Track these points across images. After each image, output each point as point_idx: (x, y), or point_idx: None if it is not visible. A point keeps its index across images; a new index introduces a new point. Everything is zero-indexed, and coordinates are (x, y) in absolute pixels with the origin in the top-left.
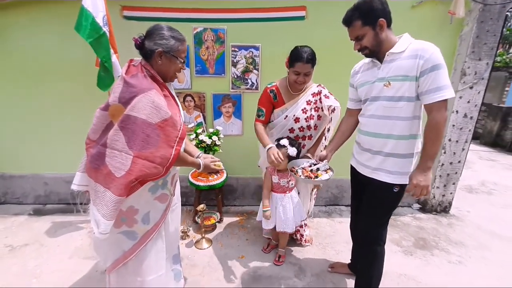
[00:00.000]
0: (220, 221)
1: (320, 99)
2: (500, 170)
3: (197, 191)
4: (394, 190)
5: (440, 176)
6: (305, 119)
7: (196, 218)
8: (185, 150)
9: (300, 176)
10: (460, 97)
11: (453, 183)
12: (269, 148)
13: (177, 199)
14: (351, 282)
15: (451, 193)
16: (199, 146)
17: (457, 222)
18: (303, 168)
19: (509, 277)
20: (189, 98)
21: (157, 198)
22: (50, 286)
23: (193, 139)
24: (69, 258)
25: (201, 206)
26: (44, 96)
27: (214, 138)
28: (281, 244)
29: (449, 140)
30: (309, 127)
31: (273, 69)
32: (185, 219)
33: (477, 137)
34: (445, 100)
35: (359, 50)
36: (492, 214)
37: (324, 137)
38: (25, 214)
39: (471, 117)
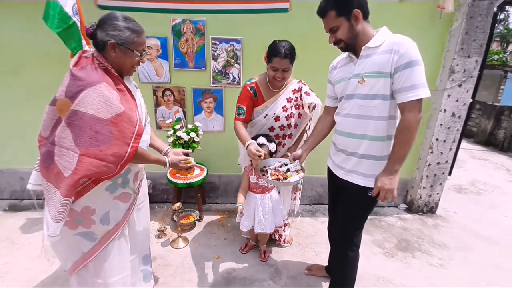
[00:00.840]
0: (200, 219)
1: (300, 96)
2: (491, 169)
3: (175, 188)
4: (369, 193)
5: (427, 176)
6: (286, 117)
7: (174, 216)
8: (151, 145)
9: (268, 177)
10: (449, 96)
11: (440, 184)
12: (248, 144)
13: (143, 197)
14: (327, 286)
15: (437, 194)
16: (177, 143)
17: (443, 223)
18: (274, 169)
19: (487, 279)
20: (168, 92)
21: (118, 197)
22: (15, 285)
23: (170, 135)
24: (38, 256)
25: (177, 205)
26: (19, 87)
27: (192, 134)
28: (262, 241)
29: (437, 139)
30: (289, 125)
31: (256, 63)
32: (163, 217)
33: (471, 136)
34: (420, 100)
35: (334, 43)
36: (479, 215)
37: (305, 135)
38: (0, 210)
39: (459, 116)
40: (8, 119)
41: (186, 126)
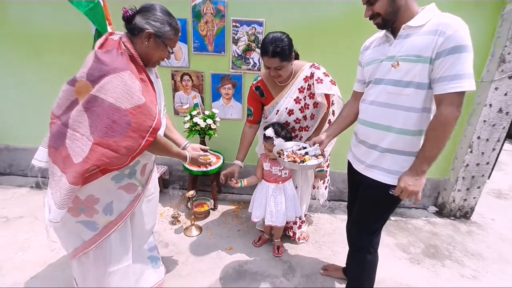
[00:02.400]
0: (214, 208)
1: (313, 83)
2: None
3: (191, 176)
4: (390, 192)
5: (463, 178)
6: (300, 109)
7: (188, 204)
8: (169, 138)
9: (284, 159)
10: (496, 88)
11: (478, 187)
12: (234, 163)
13: (154, 188)
14: None
15: (474, 198)
16: (193, 129)
17: (478, 231)
18: (291, 152)
19: None
20: (186, 77)
21: (122, 187)
22: (34, 260)
23: (187, 121)
24: None
25: (191, 192)
26: (47, 67)
27: (209, 121)
28: (276, 235)
29: (478, 137)
30: (305, 117)
31: None
32: (178, 203)
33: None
34: (462, 93)
35: (370, 18)
36: None
37: (327, 122)
38: (27, 187)
39: (507, 113)
40: (34, 101)
41: (203, 113)
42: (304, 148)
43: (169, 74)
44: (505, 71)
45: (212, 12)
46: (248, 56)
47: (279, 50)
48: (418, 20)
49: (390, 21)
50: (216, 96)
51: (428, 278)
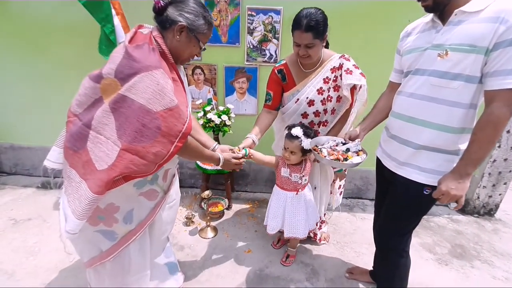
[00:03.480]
0: (229, 208)
1: (341, 75)
2: None
3: (204, 174)
4: (425, 192)
5: (489, 174)
6: (321, 101)
7: (202, 204)
8: (197, 141)
9: (325, 156)
10: None
11: (504, 183)
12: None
13: (175, 194)
14: None
15: (500, 194)
16: (207, 125)
17: (504, 229)
18: (330, 148)
19: None
20: (198, 70)
21: (143, 194)
22: (46, 266)
23: (200, 117)
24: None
25: (206, 193)
26: (52, 62)
27: (224, 117)
28: (292, 243)
29: (508, 131)
30: (325, 111)
31: None
32: (191, 204)
33: None
34: None
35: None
36: None
37: (347, 123)
38: (33, 187)
39: None
40: (39, 97)
41: (217, 108)
42: (344, 143)
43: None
44: None
45: (226, 0)
46: (264, 48)
47: (313, 24)
48: (475, 5)
49: (442, 4)
50: (229, 91)
51: (458, 281)
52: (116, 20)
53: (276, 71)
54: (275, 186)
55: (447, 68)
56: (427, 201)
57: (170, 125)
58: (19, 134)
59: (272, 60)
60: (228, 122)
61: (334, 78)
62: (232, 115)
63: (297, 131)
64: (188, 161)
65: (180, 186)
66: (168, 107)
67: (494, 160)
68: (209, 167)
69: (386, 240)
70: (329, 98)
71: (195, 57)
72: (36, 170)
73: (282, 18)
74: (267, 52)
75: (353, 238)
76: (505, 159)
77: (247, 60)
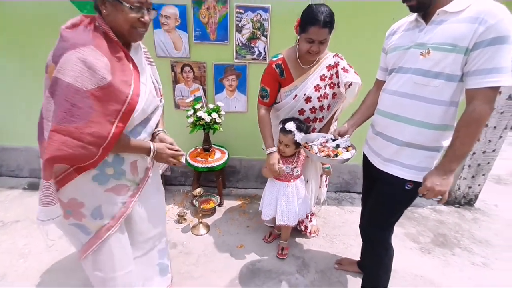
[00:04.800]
0: (220, 204)
1: (336, 73)
2: None
3: (195, 172)
4: (406, 187)
5: (469, 166)
6: (318, 98)
7: (194, 201)
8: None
9: (316, 153)
10: None
11: (483, 175)
12: (269, 153)
13: (156, 189)
14: (359, 282)
15: (479, 185)
16: (198, 124)
17: (483, 217)
18: (320, 145)
19: None
20: (187, 68)
21: (111, 190)
22: (36, 267)
23: (190, 115)
24: (59, 238)
25: (198, 190)
26: (31, 58)
27: (214, 115)
28: (283, 235)
29: (486, 125)
30: (321, 107)
31: (285, 36)
32: (183, 201)
33: None
34: (497, 88)
35: (403, 0)
36: None
37: (334, 119)
38: (20, 188)
39: None
40: (25, 99)
41: (206, 106)
42: (333, 140)
43: (168, 65)
44: None
45: None
46: (253, 45)
47: (329, 19)
48: (456, 5)
49: (426, 4)
50: (219, 88)
51: (440, 268)
52: None
53: (274, 65)
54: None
55: (429, 67)
56: (409, 196)
57: (105, 105)
58: (3, 134)
59: (261, 57)
60: (218, 120)
61: (330, 76)
62: (222, 112)
63: (290, 125)
64: None
65: (171, 184)
66: (99, 85)
67: (474, 153)
68: (199, 164)
69: (372, 233)
70: (325, 95)
71: (143, 26)
72: (22, 171)
73: (270, 16)
74: (256, 49)
75: (342, 231)
76: (484, 152)
77: (236, 58)
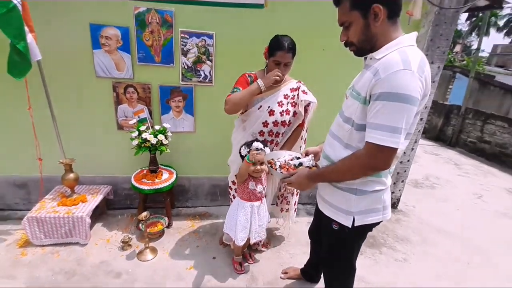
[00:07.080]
0: (169, 226)
1: (298, 94)
2: (441, 164)
3: (141, 195)
4: (333, 227)
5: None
6: (280, 112)
7: (140, 225)
8: None
9: (277, 170)
10: None
11: (402, 181)
12: (262, 80)
13: None
14: None
15: (399, 190)
16: (143, 146)
17: (404, 218)
18: (284, 162)
19: (447, 272)
20: (131, 89)
21: None
22: None
23: (135, 137)
24: None
25: (144, 214)
26: None
27: (161, 137)
28: (238, 251)
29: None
30: (283, 122)
31: (229, 61)
32: (127, 226)
33: (423, 132)
34: (384, 147)
35: (345, 45)
36: (434, 208)
37: (301, 138)
38: None
39: (421, 119)
40: None
41: (152, 127)
42: (298, 158)
43: (110, 85)
44: None
45: (158, 21)
46: (198, 68)
47: (292, 46)
48: (381, 52)
49: (366, 50)
50: (165, 109)
51: (370, 267)
52: (30, 38)
53: (247, 75)
54: (238, 200)
55: (343, 109)
56: (339, 238)
57: None
58: None
59: (207, 80)
60: (165, 142)
61: (292, 96)
62: (169, 134)
63: (257, 144)
64: (122, 181)
65: (115, 208)
66: None
67: None
68: (146, 187)
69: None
70: (287, 111)
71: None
72: None
73: (215, 42)
74: (202, 72)
75: (287, 241)
76: (401, 162)
77: (182, 80)
